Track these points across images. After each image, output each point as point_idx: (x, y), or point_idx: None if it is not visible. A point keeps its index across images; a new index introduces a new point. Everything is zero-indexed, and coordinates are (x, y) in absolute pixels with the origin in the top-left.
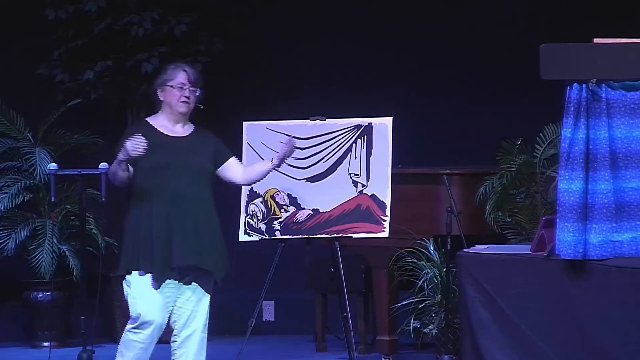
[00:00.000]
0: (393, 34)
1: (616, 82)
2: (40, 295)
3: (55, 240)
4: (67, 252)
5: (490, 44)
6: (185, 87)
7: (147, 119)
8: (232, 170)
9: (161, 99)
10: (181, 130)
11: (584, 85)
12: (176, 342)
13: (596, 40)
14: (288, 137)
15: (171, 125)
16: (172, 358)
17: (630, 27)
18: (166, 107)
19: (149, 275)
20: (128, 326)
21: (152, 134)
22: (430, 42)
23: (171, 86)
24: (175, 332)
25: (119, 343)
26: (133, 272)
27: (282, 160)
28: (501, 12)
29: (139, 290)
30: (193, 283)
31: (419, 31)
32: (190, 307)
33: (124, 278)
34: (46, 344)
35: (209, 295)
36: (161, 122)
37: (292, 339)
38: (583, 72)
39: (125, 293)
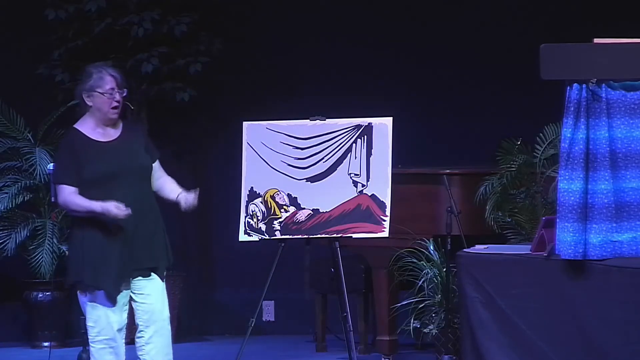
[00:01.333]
0: (393, 34)
1: (616, 82)
2: (40, 295)
3: (55, 240)
4: (67, 252)
5: (490, 44)
6: (114, 92)
7: (77, 127)
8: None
9: (89, 104)
10: (113, 132)
11: (584, 85)
12: (143, 338)
13: (596, 40)
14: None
15: (102, 130)
16: (140, 354)
17: (630, 27)
18: (96, 112)
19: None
20: (90, 337)
21: (88, 144)
22: (430, 42)
23: (101, 93)
24: (140, 328)
25: (90, 356)
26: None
27: (184, 206)
28: (501, 12)
29: (96, 297)
30: (152, 274)
31: (419, 31)
32: (152, 301)
33: (79, 287)
34: (46, 344)
35: (164, 281)
36: (92, 129)
37: (292, 339)
38: (583, 72)
39: (81, 301)
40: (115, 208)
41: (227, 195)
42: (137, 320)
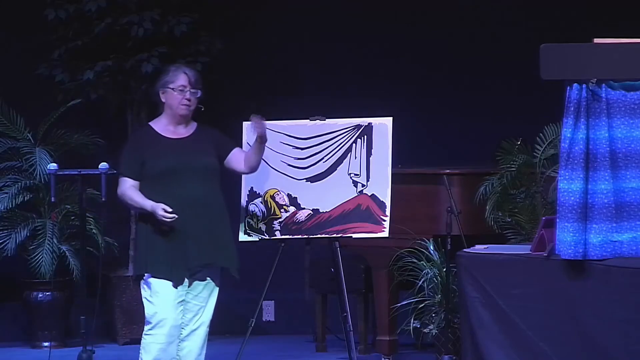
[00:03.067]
0: (393, 34)
1: (616, 82)
2: (40, 295)
3: (55, 240)
4: (67, 252)
5: (490, 44)
6: (185, 90)
7: (150, 123)
8: (235, 160)
9: (163, 100)
10: (184, 131)
11: (584, 85)
12: (182, 335)
13: (596, 40)
14: (256, 119)
15: (173, 127)
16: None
17: (630, 27)
18: (168, 109)
19: (163, 279)
20: (145, 329)
21: (156, 139)
22: (430, 42)
23: (172, 89)
24: (182, 325)
25: (140, 347)
26: (147, 275)
27: (261, 135)
28: (501, 12)
29: (155, 291)
30: (207, 278)
31: (419, 31)
32: (200, 302)
33: (141, 278)
34: (46, 344)
35: (218, 288)
36: (164, 125)
37: (292, 339)
38: (583, 72)
39: (143, 294)
40: (161, 210)
41: (227, 195)
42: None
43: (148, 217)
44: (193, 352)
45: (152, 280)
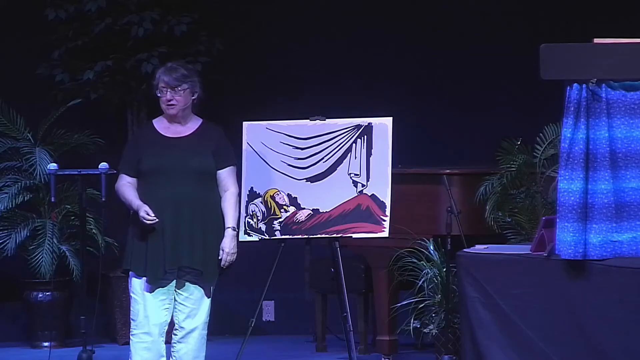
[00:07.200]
0: (393, 34)
1: (616, 82)
2: (40, 295)
3: (55, 240)
4: (67, 252)
5: (490, 44)
6: (165, 90)
7: (153, 120)
8: (218, 180)
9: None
10: (183, 129)
11: (584, 85)
12: (176, 337)
13: (596, 40)
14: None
15: (173, 127)
16: (172, 352)
17: (630, 27)
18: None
19: (143, 278)
20: (131, 328)
21: (154, 137)
22: (430, 42)
23: (156, 90)
24: (175, 327)
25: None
26: (131, 272)
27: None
28: (501, 12)
29: (136, 290)
30: (188, 284)
31: (418, 31)
32: (190, 304)
33: (127, 274)
34: (46, 344)
35: (209, 298)
36: (164, 124)
37: (292, 339)
38: (583, 72)
39: (129, 290)
40: (144, 212)
41: None
42: (174, 319)
43: (133, 217)
44: (189, 354)
45: (134, 277)
